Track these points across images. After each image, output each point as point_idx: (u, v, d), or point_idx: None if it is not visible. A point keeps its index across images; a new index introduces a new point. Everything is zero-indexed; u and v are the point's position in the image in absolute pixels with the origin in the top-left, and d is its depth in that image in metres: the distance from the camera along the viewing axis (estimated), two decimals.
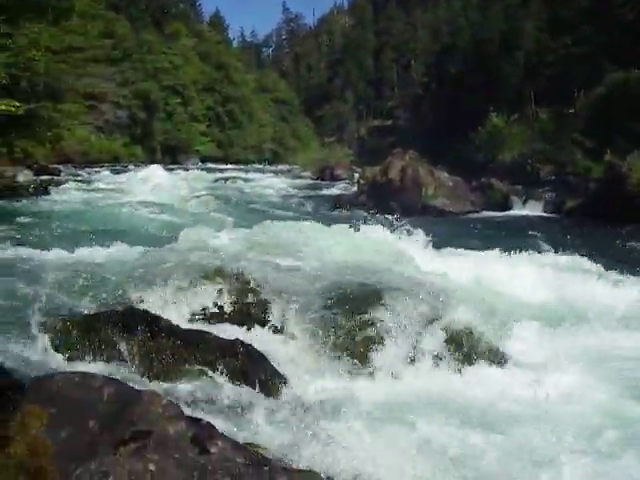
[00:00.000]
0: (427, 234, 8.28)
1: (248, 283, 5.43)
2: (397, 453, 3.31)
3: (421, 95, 51.69)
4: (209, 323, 5.13)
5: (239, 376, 4.25)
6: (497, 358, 4.99)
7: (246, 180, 30.70)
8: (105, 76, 39.40)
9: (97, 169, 30.59)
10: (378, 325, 4.84)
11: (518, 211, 20.39)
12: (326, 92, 79.46)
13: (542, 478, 3.18)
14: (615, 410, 4.14)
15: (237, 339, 4.59)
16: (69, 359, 4.38)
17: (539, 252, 8.36)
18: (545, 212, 20.16)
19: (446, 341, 4.91)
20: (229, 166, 44.76)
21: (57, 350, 4.46)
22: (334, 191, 26.30)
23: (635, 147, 18.29)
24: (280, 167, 49.58)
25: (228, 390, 4.09)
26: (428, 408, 4.03)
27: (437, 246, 8.22)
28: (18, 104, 17.55)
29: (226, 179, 30.03)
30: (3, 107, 16.96)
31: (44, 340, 4.53)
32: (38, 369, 4.08)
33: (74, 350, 4.45)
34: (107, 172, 28.40)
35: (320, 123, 76.35)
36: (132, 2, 56.27)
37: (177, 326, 4.65)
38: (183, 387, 4.08)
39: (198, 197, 18.79)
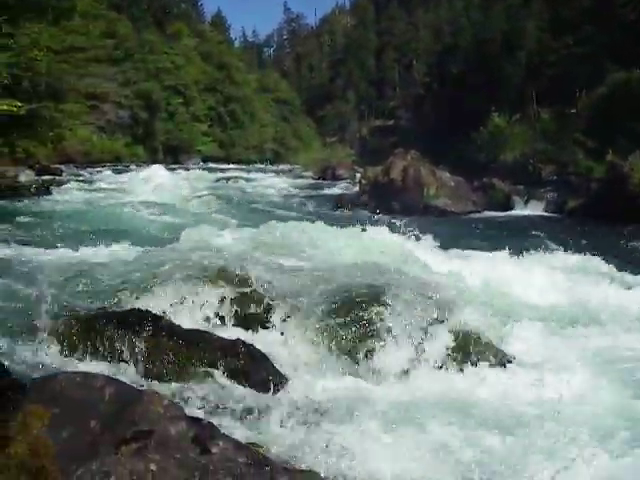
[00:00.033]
0: (430, 234, 8.26)
1: (251, 283, 5.41)
2: (406, 455, 3.28)
3: (423, 95, 51.66)
4: (211, 323, 5.12)
5: (241, 376, 4.24)
6: (505, 359, 4.96)
7: (248, 180, 30.72)
8: (107, 76, 39.47)
9: (99, 169, 30.62)
10: (382, 326, 4.80)
11: (520, 211, 20.38)
12: (328, 92, 79.48)
13: (557, 478, 3.16)
14: (628, 411, 4.12)
15: (239, 339, 4.58)
16: (70, 359, 4.38)
17: (545, 252, 8.33)
18: (547, 212, 20.15)
19: (453, 342, 4.87)
20: (231, 166, 44.82)
21: (58, 350, 4.46)
22: (336, 191, 26.31)
23: (637, 147, 18.28)
24: (282, 167, 49.62)
25: (229, 390, 4.08)
26: (437, 409, 3.98)
27: (442, 247, 8.21)
28: (20, 104, 17.58)
29: (228, 179, 30.04)
30: (5, 107, 16.99)
31: (45, 340, 4.53)
32: (39, 369, 4.09)
33: (75, 350, 4.45)
34: (109, 172, 28.43)
35: (322, 123, 76.36)
36: (134, 2, 56.31)
37: (179, 326, 4.64)
38: (184, 387, 4.08)
39: (200, 197, 18.80)
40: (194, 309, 5.17)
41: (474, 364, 4.82)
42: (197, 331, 4.68)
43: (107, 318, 4.64)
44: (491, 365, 4.85)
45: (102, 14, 42.97)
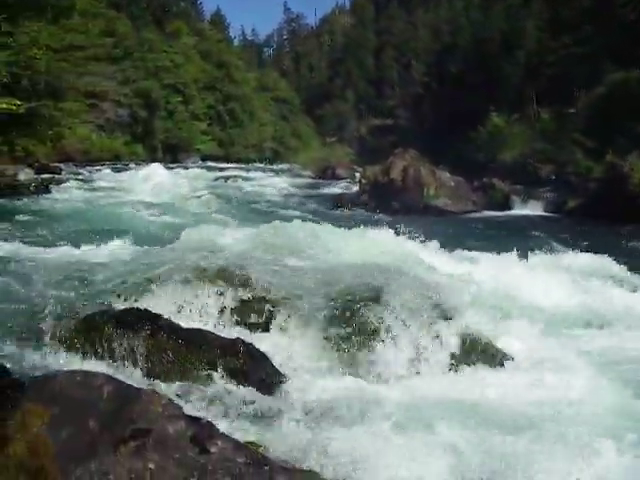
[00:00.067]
0: (430, 234, 8.25)
1: (251, 283, 5.40)
2: (408, 456, 3.27)
3: (422, 94, 51.57)
4: (210, 322, 5.11)
5: (240, 375, 4.24)
6: (508, 359, 4.96)
7: (247, 179, 30.70)
8: (106, 74, 39.36)
9: (98, 168, 30.54)
10: (382, 326, 4.80)
11: (519, 211, 20.40)
12: (327, 91, 79.36)
13: (565, 478, 3.16)
14: (629, 411, 4.13)
15: (238, 338, 4.57)
16: (70, 358, 4.38)
17: (548, 253, 8.33)
18: (546, 212, 20.17)
19: (455, 343, 4.86)
20: (230, 165, 44.72)
21: (58, 349, 4.46)
22: (335, 190, 26.33)
23: (636, 147, 18.29)
24: (281, 166, 49.55)
25: (229, 389, 4.08)
26: (437, 409, 3.97)
27: (443, 247, 8.19)
28: (19, 102, 17.53)
29: (227, 178, 30.01)
30: (4, 105, 16.94)
31: (45, 339, 4.53)
32: (38, 368, 4.09)
33: (75, 349, 4.45)
34: (108, 171, 28.35)
35: (321, 122, 76.23)
36: (133, 0, 56.17)
37: (178, 325, 4.64)
38: (183, 386, 4.08)
39: (199, 196, 18.78)
40: (194, 309, 5.16)
41: (476, 365, 4.82)
42: (197, 330, 4.67)
43: (107, 317, 4.64)
44: (493, 366, 4.85)
45: (101, 12, 42.86)
